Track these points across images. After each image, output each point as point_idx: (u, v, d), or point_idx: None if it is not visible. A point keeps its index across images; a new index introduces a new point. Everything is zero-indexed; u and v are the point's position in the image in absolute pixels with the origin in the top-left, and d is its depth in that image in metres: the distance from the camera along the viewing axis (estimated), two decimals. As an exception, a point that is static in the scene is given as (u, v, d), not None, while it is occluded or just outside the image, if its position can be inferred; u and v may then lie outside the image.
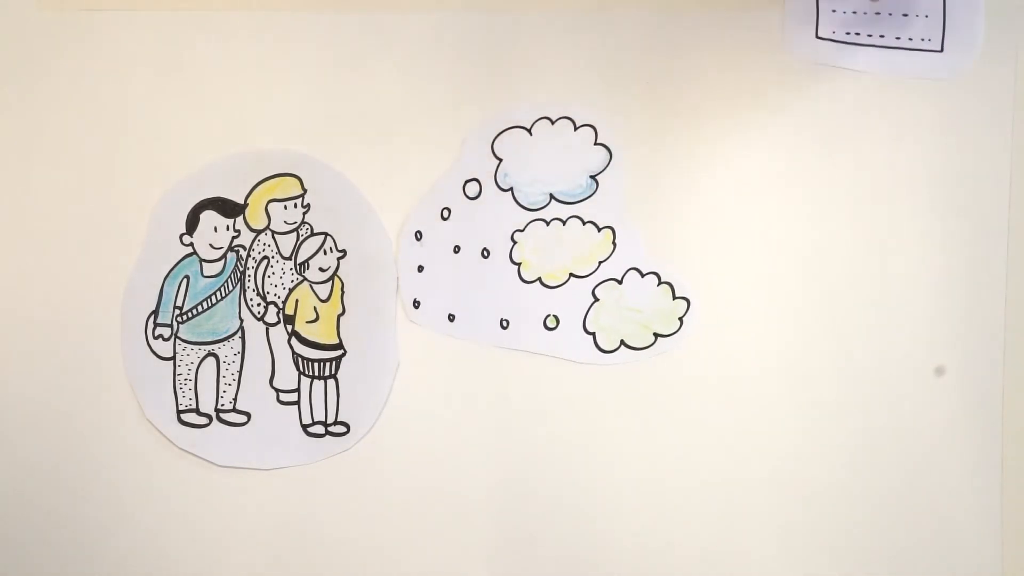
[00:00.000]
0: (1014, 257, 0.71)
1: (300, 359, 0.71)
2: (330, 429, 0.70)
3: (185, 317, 0.71)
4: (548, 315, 0.70)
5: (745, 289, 0.70)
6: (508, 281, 0.70)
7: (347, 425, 0.70)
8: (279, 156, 0.74)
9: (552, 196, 0.71)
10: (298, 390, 0.71)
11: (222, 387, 0.71)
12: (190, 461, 0.70)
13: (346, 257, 0.72)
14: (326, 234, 0.72)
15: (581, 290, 0.70)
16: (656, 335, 0.70)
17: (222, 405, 0.71)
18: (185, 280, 0.72)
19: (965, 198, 0.72)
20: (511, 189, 0.71)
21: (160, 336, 0.71)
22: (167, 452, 0.70)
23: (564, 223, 0.71)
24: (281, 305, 0.72)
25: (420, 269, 0.71)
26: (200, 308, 0.72)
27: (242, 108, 0.75)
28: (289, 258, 0.72)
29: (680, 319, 0.70)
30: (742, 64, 0.72)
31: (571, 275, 0.70)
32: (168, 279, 0.72)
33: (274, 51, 0.76)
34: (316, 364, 0.71)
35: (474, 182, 0.72)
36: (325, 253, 0.72)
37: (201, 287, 0.72)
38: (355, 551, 0.68)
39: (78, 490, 0.69)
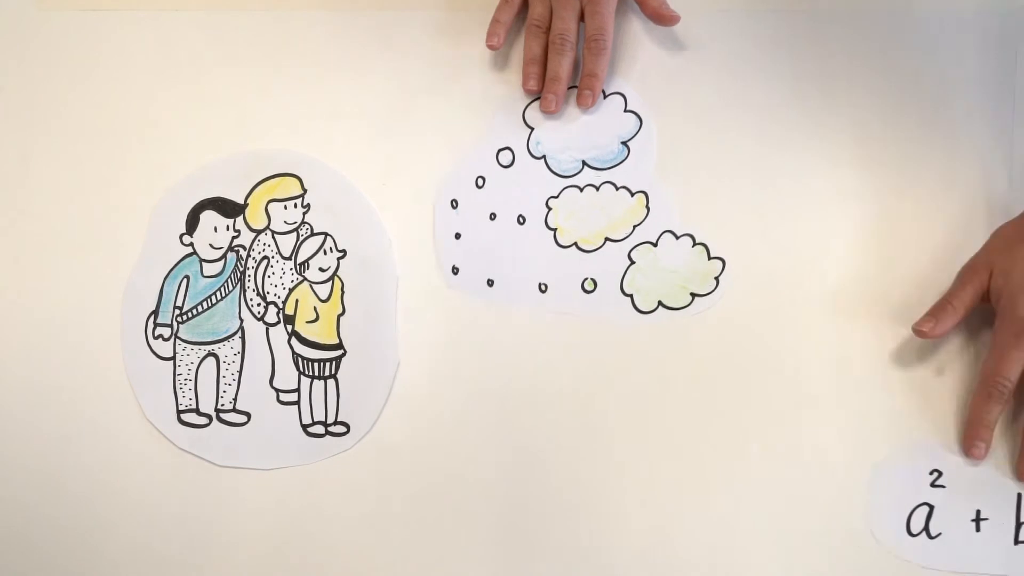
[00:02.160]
0: (1014, 257, 0.71)
1: (300, 359, 0.71)
2: (330, 429, 0.70)
3: (185, 317, 0.71)
4: (585, 278, 0.71)
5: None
6: (544, 246, 0.71)
7: (347, 425, 0.70)
8: (279, 156, 0.74)
9: (584, 163, 0.72)
10: (298, 390, 0.71)
11: (222, 387, 0.71)
12: (190, 461, 0.70)
13: (346, 257, 0.72)
14: (326, 234, 0.72)
15: (617, 254, 0.71)
16: (693, 295, 0.70)
17: (222, 405, 0.71)
18: (185, 280, 0.72)
19: (965, 198, 0.72)
20: (544, 157, 0.73)
21: (160, 336, 0.71)
22: (167, 452, 0.70)
23: (597, 189, 0.72)
24: (281, 305, 0.72)
25: (457, 236, 0.71)
26: (200, 308, 0.72)
27: (242, 108, 0.75)
28: (289, 258, 0.72)
29: (716, 279, 0.70)
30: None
31: (606, 239, 0.71)
32: (168, 279, 0.72)
33: (274, 51, 0.76)
34: (316, 364, 0.71)
35: (507, 151, 0.73)
36: (325, 253, 0.72)
37: (201, 287, 0.72)
38: (355, 551, 0.68)
39: (78, 490, 0.69)
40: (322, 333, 0.71)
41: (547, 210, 0.72)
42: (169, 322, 0.71)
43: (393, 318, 0.71)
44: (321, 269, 0.72)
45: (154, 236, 0.72)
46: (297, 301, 0.72)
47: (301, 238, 0.72)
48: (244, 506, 0.69)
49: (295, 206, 0.73)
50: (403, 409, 0.70)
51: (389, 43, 0.76)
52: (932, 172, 0.72)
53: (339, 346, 0.71)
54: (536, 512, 0.68)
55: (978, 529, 0.65)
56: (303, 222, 0.73)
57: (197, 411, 0.70)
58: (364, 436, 0.70)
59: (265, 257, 0.72)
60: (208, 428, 0.70)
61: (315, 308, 0.72)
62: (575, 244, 0.71)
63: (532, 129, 0.73)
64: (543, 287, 0.71)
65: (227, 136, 0.74)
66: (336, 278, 0.72)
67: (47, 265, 0.72)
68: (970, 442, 0.65)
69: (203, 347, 0.71)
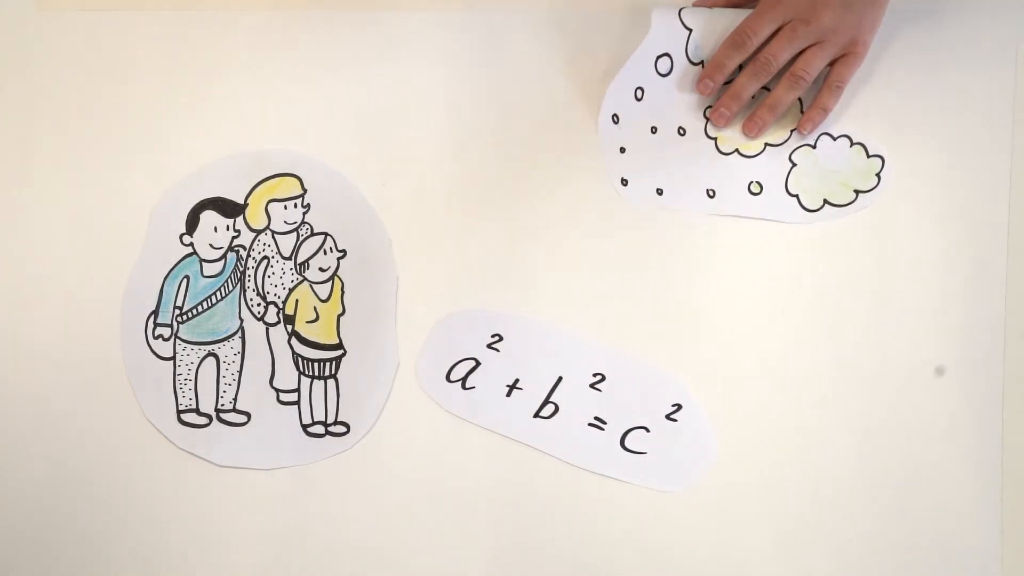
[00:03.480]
0: (1014, 257, 0.71)
1: (300, 359, 0.71)
2: (330, 429, 0.70)
3: (185, 317, 0.71)
4: (751, 182, 0.72)
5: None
6: (707, 155, 0.73)
7: (347, 425, 0.70)
8: (279, 156, 0.74)
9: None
10: (298, 390, 0.71)
11: (222, 387, 0.71)
12: (190, 461, 0.70)
13: (346, 257, 0.72)
14: (326, 234, 0.72)
15: (778, 157, 0.73)
16: (857, 192, 0.72)
17: (222, 405, 0.71)
18: (185, 280, 0.72)
19: (965, 198, 0.72)
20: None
21: (160, 336, 0.71)
22: (167, 452, 0.70)
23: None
24: (281, 305, 0.72)
25: (622, 150, 0.73)
26: (200, 308, 0.72)
27: (242, 108, 0.75)
28: (289, 258, 0.72)
29: (877, 175, 0.72)
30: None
31: (766, 145, 0.73)
32: (168, 279, 0.72)
33: (274, 51, 0.76)
34: (316, 364, 0.71)
35: (665, 57, 0.73)
36: (325, 253, 0.72)
37: (201, 287, 0.72)
38: (355, 551, 0.68)
39: (78, 490, 0.69)
40: (322, 333, 0.71)
41: (705, 120, 0.73)
42: (169, 322, 0.71)
43: (393, 318, 0.71)
44: (321, 269, 0.72)
45: (154, 236, 0.72)
46: (297, 301, 0.72)
47: (301, 238, 0.72)
48: (244, 506, 0.69)
49: (295, 206, 0.73)
50: (403, 409, 0.70)
51: (389, 43, 0.76)
52: (931, 171, 0.72)
53: (339, 346, 0.71)
54: (535, 512, 0.68)
55: (508, 395, 0.70)
56: (303, 222, 0.73)
57: (197, 411, 0.70)
58: (364, 436, 0.70)
59: (265, 257, 0.72)
60: (208, 428, 0.70)
61: (315, 308, 0.72)
62: (736, 151, 0.73)
63: (691, 31, 0.73)
64: (711, 192, 0.72)
65: (227, 136, 0.74)
66: (336, 278, 0.72)
67: (47, 265, 0.72)
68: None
69: (203, 347, 0.71)
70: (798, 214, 0.72)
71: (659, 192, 0.72)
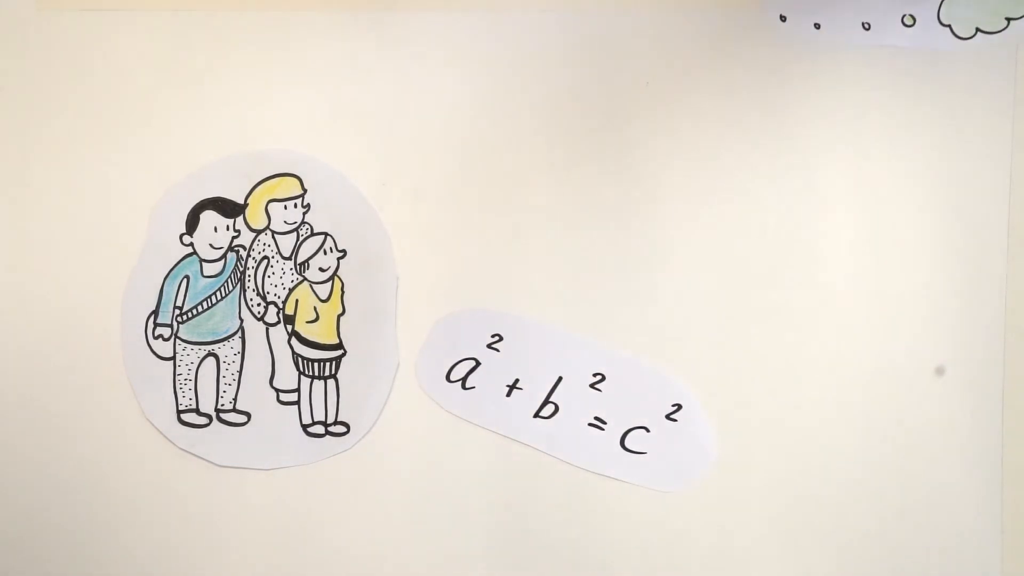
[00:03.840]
0: (1014, 257, 0.71)
1: (300, 359, 0.71)
2: (330, 429, 0.70)
3: (185, 317, 0.71)
4: (904, 15, 0.74)
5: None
6: None
7: (347, 425, 0.70)
8: (279, 156, 0.74)
9: None
10: (298, 390, 0.71)
11: (222, 387, 0.71)
12: (190, 461, 0.70)
13: (346, 257, 0.72)
14: (326, 234, 0.72)
15: None
16: (1008, 19, 0.74)
17: (222, 405, 0.71)
18: (185, 280, 0.72)
19: (965, 198, 0.72)
20: None
21: (160, 336, 0.71)
22: (167, 452, 0.70)
23: None
24: (281, 305, 0.72)
25: None
26: (200, 308, 0.72)
27: (242, 108, 0.75)
28: (289, 258, 0.72)
29: None
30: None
31: None
32: (168, 279, 0.72)
33: (274, 51, 0.76)
34: (316, 364, 0.71)
35: None
36: (325, 253, 0.72)
37: (201, 287, 0.72)
38: (355, 551, 0.68)
39: (78, 490, 0.69)
40: (322, 333, 0.71)
41: None
42: (169, 322, 0.71)
43: (393, 318, 0.71)
44: (321, 269, 0.72)
45: (154, 236, 0.72)
46: (297, 301, 0.72)
47: (301, 238, 0.72)
48: (244, 506, 0.69)
49: (295, 206, 0.73)
50: (403, 409, 0.70)
51: (389, 43, 0.76)
52: (931, 170, 0.72)
53: (339, 346, 0.71)
54: (536, 512, 0.68)
55: (509, 395, 0.70)
56: (303, 222, 0.73)
57: (197, 411, 0.70)
58: (364, 436, 0.70)
59: (265, 257, 0.72)
60: (208, 428, 0.70)
61: (315, 308, 0.72)
62: None
63: None
64: (866, 25, 0.74)
65: (227, 136, 0.74)
66: (336, 278, 0.72)
67: (47, 265, 0.72)
68: None
69: (203, 347, 0.71)
70: (951, 42, 0.74)
71: (817, 27, 0.74)
